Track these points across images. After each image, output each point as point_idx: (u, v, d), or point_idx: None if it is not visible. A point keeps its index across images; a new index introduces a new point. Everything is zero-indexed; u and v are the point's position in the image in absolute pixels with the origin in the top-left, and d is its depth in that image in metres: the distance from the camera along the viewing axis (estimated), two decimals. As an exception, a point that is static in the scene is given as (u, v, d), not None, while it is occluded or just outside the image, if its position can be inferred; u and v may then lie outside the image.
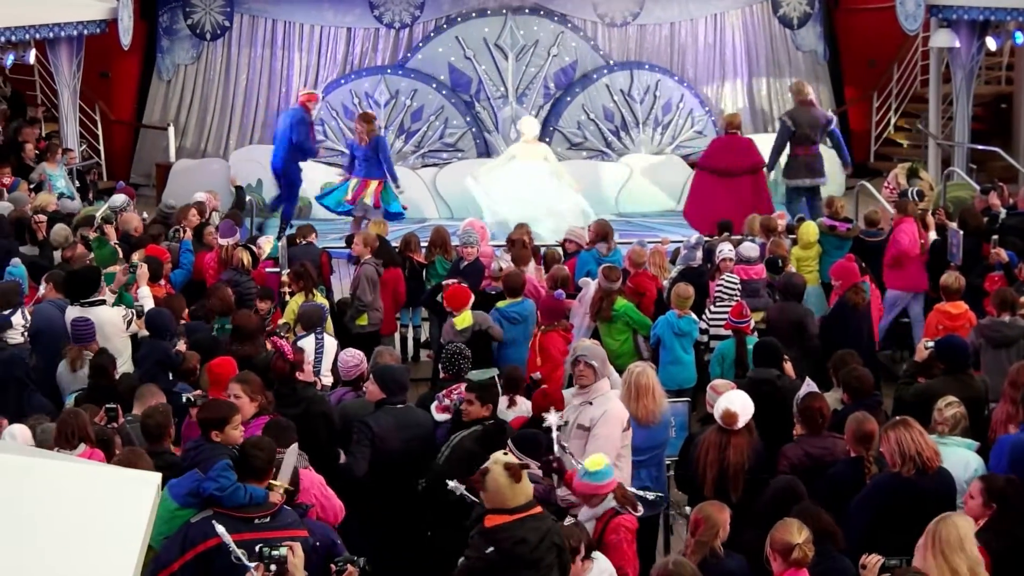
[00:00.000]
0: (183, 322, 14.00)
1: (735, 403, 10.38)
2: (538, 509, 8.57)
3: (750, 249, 15.82)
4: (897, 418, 9.82)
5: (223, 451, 9.18)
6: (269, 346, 12.68)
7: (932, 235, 16.86)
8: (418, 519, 10.87)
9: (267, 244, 16.84)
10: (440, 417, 11.37)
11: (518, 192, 21.07)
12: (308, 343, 13.33)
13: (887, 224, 17.43)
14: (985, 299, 14.67)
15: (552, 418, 10.40)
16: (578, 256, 16.71)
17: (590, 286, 14.90)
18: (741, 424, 10.32)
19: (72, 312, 13.34)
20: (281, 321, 14.67)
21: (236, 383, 10.86)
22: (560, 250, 17.28)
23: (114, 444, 10.35)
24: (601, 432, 10.63)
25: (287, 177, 21.86)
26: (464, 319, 14.21)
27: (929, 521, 8.33)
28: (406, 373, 11.86)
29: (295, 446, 9.57)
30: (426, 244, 17.41)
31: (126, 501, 6.39)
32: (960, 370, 11.74)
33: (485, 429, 10.72)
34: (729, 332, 13.90)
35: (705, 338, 14.69)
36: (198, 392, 10.95)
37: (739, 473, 10.22)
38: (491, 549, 8.31)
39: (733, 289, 14.85)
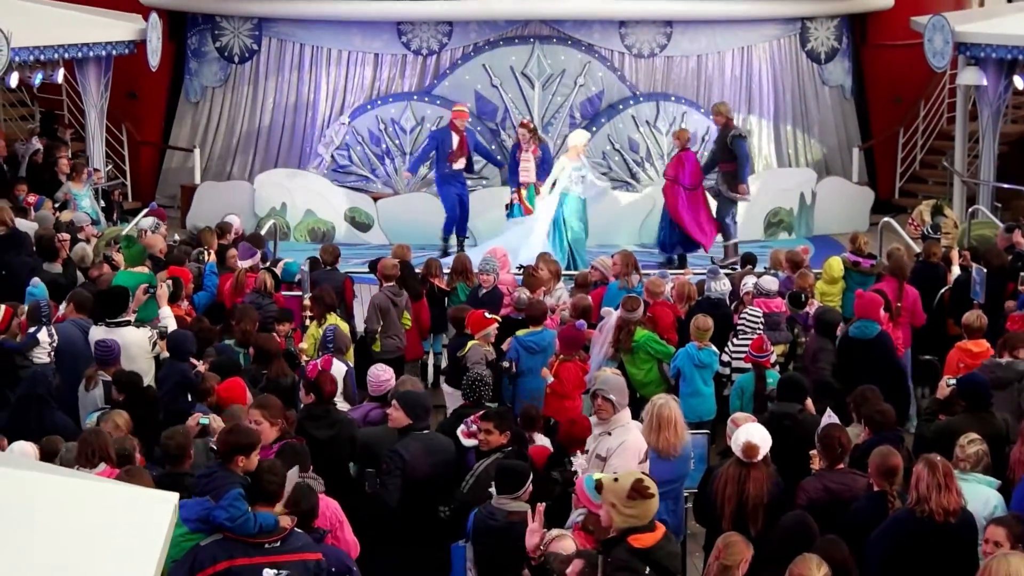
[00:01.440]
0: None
1: (755, 435, 10.34)
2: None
3: (770, 282, 15.81)
4: (934, 457, 9.69)
5: (236, 479, 9.17)
6: (311, 368, 12.73)
7: (956, 270, 16.80)
8: (439, 546, 10.85)
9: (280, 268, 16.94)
10: (468, 442, 11.33)
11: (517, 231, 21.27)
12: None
13: (911, 261, 17.39)
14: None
15: (579, 461, 10.51)
16: (607, 287, 16.68)
17: (611, 316, 14.87)
18: (761, 456, 10.30)
19: (97, 332, 13.35)
20: (301, 345, 14.70)
21: (256, 408, 10.85)
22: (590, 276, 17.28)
23: (135, 461, 10.38)
24: (615, 463, 10.66)
25: (442, 197, 22.46)
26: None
27: (946, 559, 8.29)
28: (430, 398, 11.91)
29: (295, 470, 9.58)
30: (448, 271, 17.45)
31: (143, 519, 6.40)
32: (981, 408, 11.68)
33: (506, 456, 10.72)
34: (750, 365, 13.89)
35: (727, 371, 14.66)
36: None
37: (758, 507, 10.18)
38: (648, 569, 8.26)
39: (756, 322, 14.81)
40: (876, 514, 9.75)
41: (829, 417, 10.91)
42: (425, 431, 11.18)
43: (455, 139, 22.12)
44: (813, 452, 10.75)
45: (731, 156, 21.85)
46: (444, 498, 10.89)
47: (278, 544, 8.66)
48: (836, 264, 17.13)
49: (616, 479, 8.53)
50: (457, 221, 22.37)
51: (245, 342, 13.98)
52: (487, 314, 14.82)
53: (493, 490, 9.95)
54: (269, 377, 12.94)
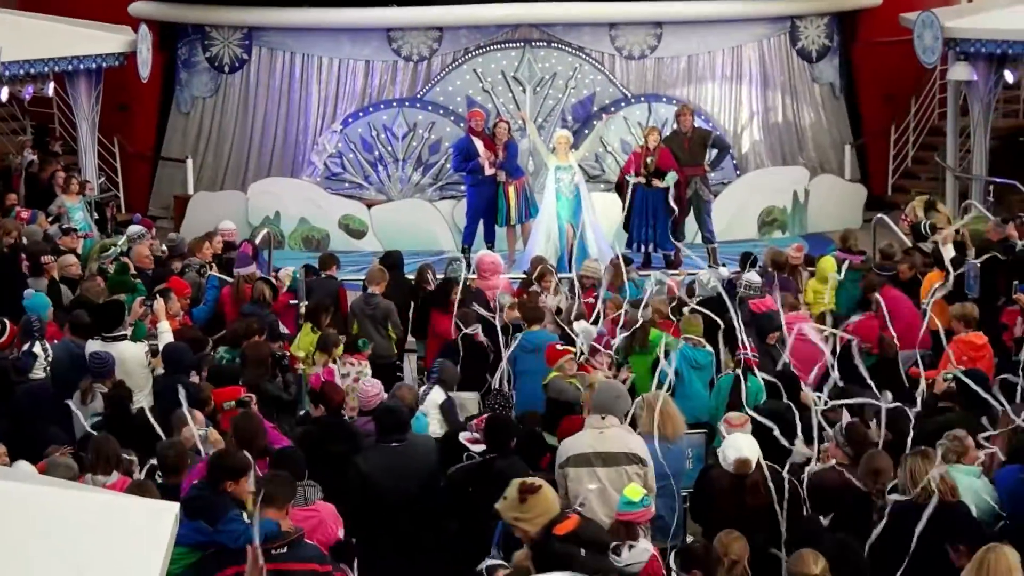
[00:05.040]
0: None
1: (744, 449, 10.27)
2: None
3: (755, 281, 15.83)
4: (919, 448, 9.91)
5: (227, 500, 9.07)
6: (314, 380, 12.74)
7: (950, 249, 16.60)
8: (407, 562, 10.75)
9: (286, 277, 16.79)
10: (475, 448, 11.17)
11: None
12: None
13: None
14: (1005, 333, 14.66)
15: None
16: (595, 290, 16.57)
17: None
18: (753, 467, 10.26)
19: (92, 346, 13.29)
20: (298, 354, 14.62)
21: None
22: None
23: (133, 474, 10.38)
24: None
25: (467, 205, 22.45)
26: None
27: (939, 548, 8.38)
28: (407, 413, 11.58)
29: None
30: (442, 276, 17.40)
31: (145, 529, 6.41)
32: (979, 403, 11.67)
33: (483, 463, 10.67)
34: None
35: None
36: None
37: (761, 511, 10.12)
38: (583, 550, 8.34)
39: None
40: (861, 513, 9.89)
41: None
42: (395, 444, 10.77)
43: (478, 143, 21.83)
44: (824, 447, 10.80)
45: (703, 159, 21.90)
46: (411, 518, 10.59)
47: (285, 551, 8.63)
48: (829, 264, 17.15)
49: (505, 498, 8.60)
50: (474, 229, 22.20)
51: (234, 343, 13.88)
52: (558, 346, 14.36)
53: None
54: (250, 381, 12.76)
